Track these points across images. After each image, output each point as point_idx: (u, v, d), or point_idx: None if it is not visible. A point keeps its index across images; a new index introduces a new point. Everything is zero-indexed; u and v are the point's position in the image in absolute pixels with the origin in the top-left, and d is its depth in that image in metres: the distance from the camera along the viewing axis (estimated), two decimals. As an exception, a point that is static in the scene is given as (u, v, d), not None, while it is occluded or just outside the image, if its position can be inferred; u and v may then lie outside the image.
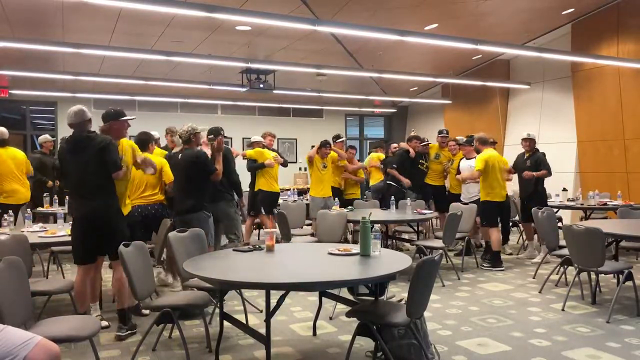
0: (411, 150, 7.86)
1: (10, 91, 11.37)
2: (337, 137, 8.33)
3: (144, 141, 5.39)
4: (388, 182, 7.98)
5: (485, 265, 6.68)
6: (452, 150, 8.10)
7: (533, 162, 7.02)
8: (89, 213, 4.05)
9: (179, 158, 5.05)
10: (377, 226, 4.16)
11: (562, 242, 5.18)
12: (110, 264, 4.46)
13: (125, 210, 4.41)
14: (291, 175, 13.49)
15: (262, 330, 3.18)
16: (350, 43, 9.77)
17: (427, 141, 8.08)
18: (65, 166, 4.19)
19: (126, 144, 4.37)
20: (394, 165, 7.83)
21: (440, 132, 8.33)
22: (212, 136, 5.53)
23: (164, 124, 7.80)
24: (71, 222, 4.24)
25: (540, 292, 5.37)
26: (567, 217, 9.27)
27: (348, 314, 3.37)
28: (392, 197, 7.04)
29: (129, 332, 4.06)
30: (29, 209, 6.91)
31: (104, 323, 4.24)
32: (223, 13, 5.82)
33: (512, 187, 8.20)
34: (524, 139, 7.20)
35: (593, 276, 5.15)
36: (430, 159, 8.10)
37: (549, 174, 7.00)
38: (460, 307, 4.89)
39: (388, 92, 13.87)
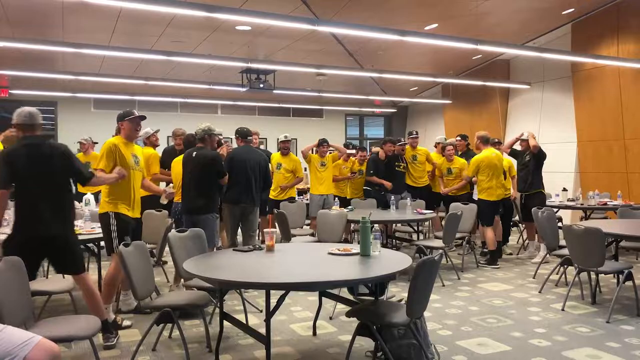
0: (380, 152, 7.77)
1: (10, 91, 11.38)
2: (346, 146, 8.38)
3: (192, 143, 5.47)
4: (365, 187, 7.90)
5: (481, 262, 6.81)
6: (449, 156, 7.84)
7: (532, 157, 7.07)
8: (47, 235, 3.54)
9: (193, 156, 5.07)
10: (376, 226, 4.16)
11: (562, 242, 5.18)
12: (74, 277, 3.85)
13: (133, 214, 4.38)
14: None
15: (262, 330, 3.18)
16: (350, 43, 9.77)
17: (403, 141, 8.02)
18: (18, 174, 3.50)
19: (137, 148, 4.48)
20: (371, 172, 7.76)
21: (410, 133, 8.31)
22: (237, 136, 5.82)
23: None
24: (8, 238, 3.56)
25: (540, 292, 5.37)
26: (567, 217, 9.26)
27: (348, 314, 3.37)
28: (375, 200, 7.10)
29: (117, 337, 3.95)
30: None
31: (127, 322, 4.28)
32: (223, 13, 5.81)
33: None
34: (522, 140, 7.27)
35: (593, 276, 5.15)
36: (409, 161, 8.02)
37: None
38: (460, 307, 4.89)
39: (388, 92, 13.87)
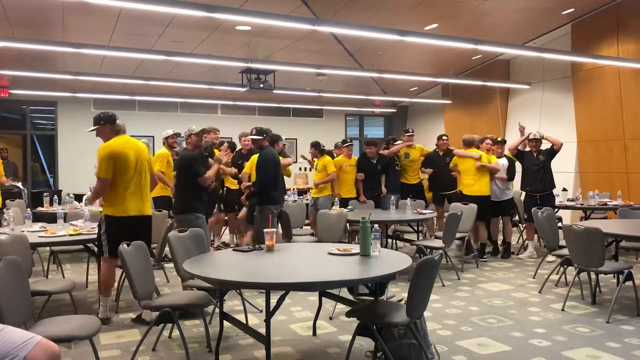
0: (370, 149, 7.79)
1: (10, 91, 11.38)
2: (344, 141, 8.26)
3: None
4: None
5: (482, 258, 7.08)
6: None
7: (547, 155, 7.07)
8: None
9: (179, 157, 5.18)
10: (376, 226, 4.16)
11: (562, 242, 5.18)
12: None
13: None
14: (291, 175, 13.48)
15: (262, 330, 3.18)
16: (350, 43, 9.77)
17: (394, 139, 8.03)
18: None
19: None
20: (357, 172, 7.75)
21: (405, 131, 8.32)
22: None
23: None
24: None
25: (540, 292, 5.37)
26: (567, 217, 9.26)
27: (348, 314, 3.37)
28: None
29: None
30: (28, 209, 6.92)
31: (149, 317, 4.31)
32: (223, 13, 5.82)
33: (517, 187, 8.18)
34: (530, 140, 7.21)
35: (593, 276, 5.15)
36: (401, 159, 8.04)
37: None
38: (460, 307, 4.89)
39: (388, 92, 13.86)
